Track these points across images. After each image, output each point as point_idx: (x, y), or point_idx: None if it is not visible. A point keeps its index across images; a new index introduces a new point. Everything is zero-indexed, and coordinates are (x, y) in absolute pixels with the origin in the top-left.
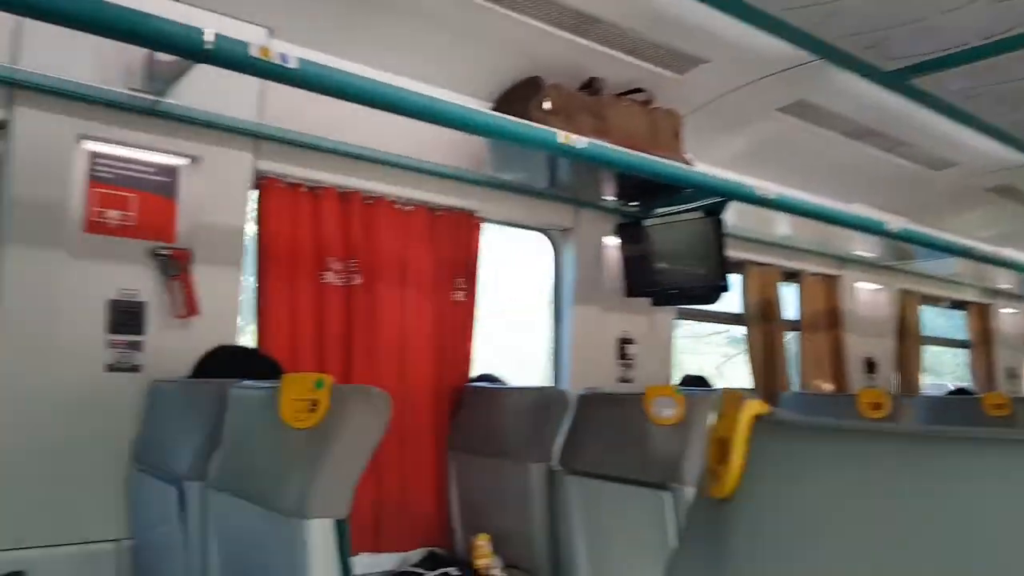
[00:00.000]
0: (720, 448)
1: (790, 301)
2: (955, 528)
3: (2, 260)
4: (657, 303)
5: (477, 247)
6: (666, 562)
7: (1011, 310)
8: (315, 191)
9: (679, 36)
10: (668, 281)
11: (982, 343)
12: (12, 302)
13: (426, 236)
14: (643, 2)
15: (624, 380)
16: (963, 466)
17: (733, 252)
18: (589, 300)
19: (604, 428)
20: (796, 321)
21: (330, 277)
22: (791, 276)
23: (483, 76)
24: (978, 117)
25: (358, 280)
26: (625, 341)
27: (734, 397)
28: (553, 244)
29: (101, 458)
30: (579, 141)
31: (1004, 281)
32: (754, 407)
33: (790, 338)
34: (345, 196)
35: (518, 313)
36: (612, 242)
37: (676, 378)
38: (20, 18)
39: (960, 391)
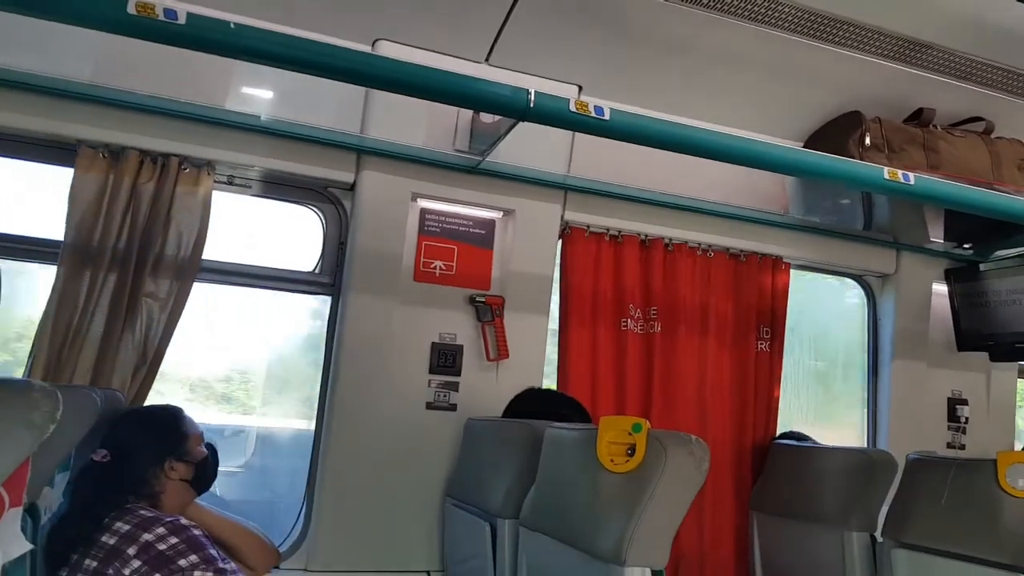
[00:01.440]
0: None
1: None
2: None
3: (346, 304)
4: (996, 359)
5: (784, 294)
6: None
7: None
8: (617, 239)
9: None
10: (1012, 334)
11: None
12: (351, 342)
13: (729, 282)
14: (984, 23)
15: (953, 446)
16: None
17: None
18: (912, 354)
19: (942, 498)
20: None
21: (630, 324)
22: None
23: (792, 114)
24: None
25: (658, 328)
26: (956, 402)
27: None
28: (868, 291)
29: (420, 491)
30: (908, 177)
31: None
32: None
33: None
34: (647, 243)
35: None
36: (939, 289)
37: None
38: (366, 90)
39: None
